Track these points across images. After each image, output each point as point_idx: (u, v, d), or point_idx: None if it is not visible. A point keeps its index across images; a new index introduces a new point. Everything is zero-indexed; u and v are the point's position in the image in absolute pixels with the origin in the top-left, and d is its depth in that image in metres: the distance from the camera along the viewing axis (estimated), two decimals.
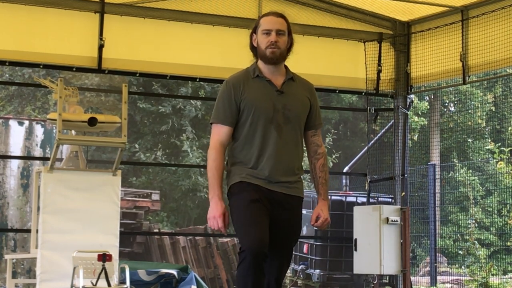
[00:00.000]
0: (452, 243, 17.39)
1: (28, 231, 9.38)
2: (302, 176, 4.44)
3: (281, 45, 4.33)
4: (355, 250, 9.00)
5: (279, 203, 4.27)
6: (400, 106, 9.51)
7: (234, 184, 4.28)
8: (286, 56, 4.41)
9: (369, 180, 9.58)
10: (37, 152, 13.74)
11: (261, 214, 4.18)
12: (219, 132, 4.31)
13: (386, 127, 9.98)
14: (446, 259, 16.41)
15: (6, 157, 13.43)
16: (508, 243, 16.83)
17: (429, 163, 15.24)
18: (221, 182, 4.28)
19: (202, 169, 19.55)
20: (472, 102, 20.92)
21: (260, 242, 4.09)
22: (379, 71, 9.49)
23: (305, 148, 4.55)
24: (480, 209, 18.13)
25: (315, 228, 14.38)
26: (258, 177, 4.24)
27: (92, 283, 6.80)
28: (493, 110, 21.80)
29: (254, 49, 4.41)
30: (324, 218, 4.38)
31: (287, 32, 4.40)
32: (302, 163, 4.46)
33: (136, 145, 19.56)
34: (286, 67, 4.43)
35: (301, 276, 13.26)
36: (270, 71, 4.35)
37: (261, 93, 4.30)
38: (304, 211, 14.87)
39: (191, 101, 19.81)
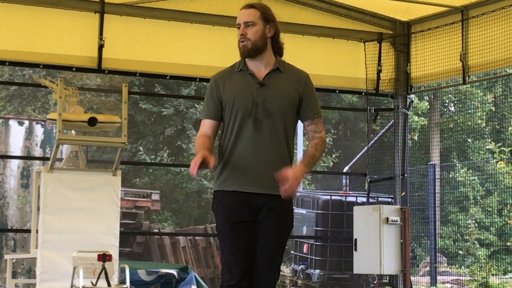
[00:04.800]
0: (452, 243, 17.39)
1: (28, 231, 9.38)
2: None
3: (251, 36, 4.20)
4: (355, 250, 9.00)
5: (262, 205, 4.16)
6: (400, 106, 9.51)
7: (214, 192, 4.25)
8: (265, 46, 4.24)
9: (368, 180, 9.58)
10: (37, 152, 13.74)
11: (237, 244, 4.12)
12: (203, 125, 4.27)
13: (386, 127, 9.98)
14: (446, 259, 16.40)
15: (6, 157, 13.43)
16: (508, 243, 16.82)
17: (429, 163, 15.23)
18: (207, 148, 4.10)
19: (207, 171, 19.59)
20: (472, 102, 20.92)
21: (237, 280, 4.09)
22: (379, 71, 9.49)
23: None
24: (480, 209, 18.13)
25: (315, 228, 14.22)
26: (238, 178, 4.16)
27: (92, 283, 6.80)
28: (493, 110, 21.80)
29: None
30: (291, 175, 4.00)
31: (261, 21, 4.22)
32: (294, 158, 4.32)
33: (140, 148, 19.58)
34: (276, 57, 4.30)
35: (301, 276, 13.26)
36: (254, 64, 4.25)
37: (241, 87, 4.22)
38: (304, 211, 14.92)
39: (196, 104, 19.83)
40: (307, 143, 4.49)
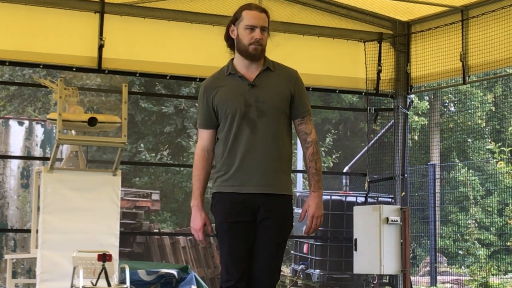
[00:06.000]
0: (452, 243, 17.39)
1: (28, 231, 9.38)
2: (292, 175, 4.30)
3: (264, 42, 4.22)
4: (355, 250, 9.00)
5: (261, 205, 4.15)
6: (400, 106, 9.51)
7: (212, 194, 4.27)
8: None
9: (368, 180, 9.58)
10: (37, 152, 13.74)
11: (236, 244, 4.14)
12: (201, 137, 4.31)
13: (386, 127, 9.98)
14: (446, 259, 16.41)
15: (6, 157, 13.43)
16: (508, 243, 16.82)
17: (429, 163, 15.23)
18: (203, 190, 4.27)
19: None
20: (472, 102, 20.92)
21: (236, 281, 4.11)
22: (379, 71, 9.49)
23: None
24: (480, 209, 18.13)
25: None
26: (234, 180, 4.16)
27: (92, 283, 6.81)
28: (493, 110, 21.80)
29: (229, 39, 4.34)
30: (311, 215, 4.18)
31: (268, 27, 4.26)
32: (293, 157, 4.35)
33: (141, 145, 19.59)
34: (265, 57, 4.30)
35: (301, 276, 13.26)
36: (245, 66, 4.25)
37: (232, 90, 4.21)
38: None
39: (196, 103, 19.80)
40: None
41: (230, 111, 4.18)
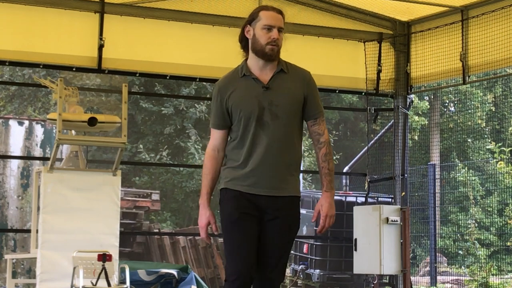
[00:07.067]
0: (452, 243, 17.39)
1: (28, 231, 9.38)
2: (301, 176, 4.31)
3: (280, 42, 4.22)
4: (355, 250, 9.00)
5: (268, 207, 4.16)
6: (400, 106, 9.51)
7: (220, 189, 4.26)
8: None
9: (368, 180, 9.58)
10: (37, 152, 13.75)
11: (245, 235, 4.13)
12: (213, 136, 4.30)
13: (386, 127, 9.98)
14: (446, 259, 16.41)
15: (6, 157, 13.44)
16: (508, 243, 16.83)
17: (429, 163, 15.24)
18: (210, 188, 4.26)
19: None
20: (472, 102, 20.93)
21: (243, 274, 4.09)
22: (379, 71, 9.49)
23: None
24: (480, 209, 18.14)
25: (315, 228, 14.26)
26: (244, 180, 4.17)
27: (92, 283, 6.80)
28: (493, 110, 21.81)
29: (244, 40, 4.29)
30: (324, 214, 4.23)
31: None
32: (302, 161, 4.37)
33: (141, 146, 19.61)
34: (279, 59, 4.29)
35: (301, 276, 13.26)
36: (259, 67, 4.24)
37: (246, 93, 4.20)
38: (304, 211, 15.00)
39: (196, 104, 19.84)
40: (309, 142, 4.50)
41: (244, 113, 4.17)
